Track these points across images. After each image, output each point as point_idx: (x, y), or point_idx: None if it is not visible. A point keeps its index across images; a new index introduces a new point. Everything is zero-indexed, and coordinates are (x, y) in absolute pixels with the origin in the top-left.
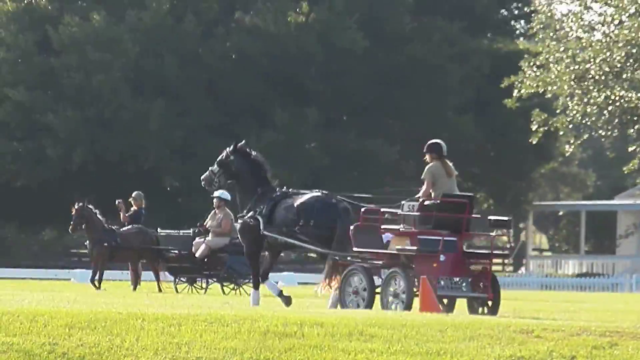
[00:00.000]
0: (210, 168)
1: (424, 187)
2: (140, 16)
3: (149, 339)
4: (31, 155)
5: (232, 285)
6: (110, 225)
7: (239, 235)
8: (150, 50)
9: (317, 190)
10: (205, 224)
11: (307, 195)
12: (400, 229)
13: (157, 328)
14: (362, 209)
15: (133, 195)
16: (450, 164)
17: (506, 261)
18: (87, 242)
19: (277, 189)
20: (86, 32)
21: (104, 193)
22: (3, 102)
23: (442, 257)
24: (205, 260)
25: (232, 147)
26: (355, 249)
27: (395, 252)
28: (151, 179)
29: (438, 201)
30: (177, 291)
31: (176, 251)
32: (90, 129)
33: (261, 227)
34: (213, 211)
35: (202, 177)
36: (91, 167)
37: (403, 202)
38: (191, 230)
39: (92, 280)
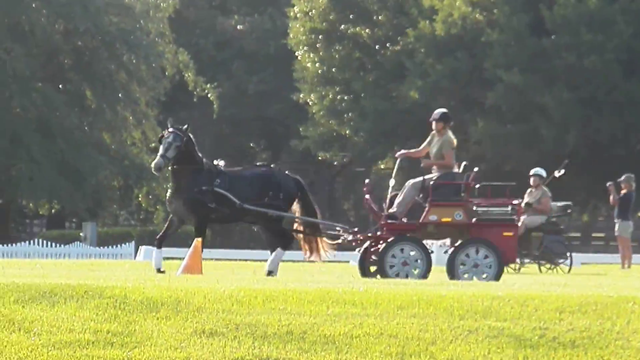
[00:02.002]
0: (161, 154)
1: (448, 158)
2: None
3: None
4: (523, 138)
5: (548, 265)
6: None
7: (188, 209)
8: None
9: (254, 164)
10: (522, 202)
11: (256, 169)
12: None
13: None
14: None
15: (623, 177)
16: None
17: None
18: None
19: (216, 164)
20: (580, 13)
21: (594, 176)
22: (495, 84)
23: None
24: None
25: (183, 128)
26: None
27: (469, 221)
28: None
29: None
30: None
31: None
32: (583, 110)
33: (237, 201)
34: (529, 190)
35: (155, 163)
36: (582, 149)
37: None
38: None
39: None
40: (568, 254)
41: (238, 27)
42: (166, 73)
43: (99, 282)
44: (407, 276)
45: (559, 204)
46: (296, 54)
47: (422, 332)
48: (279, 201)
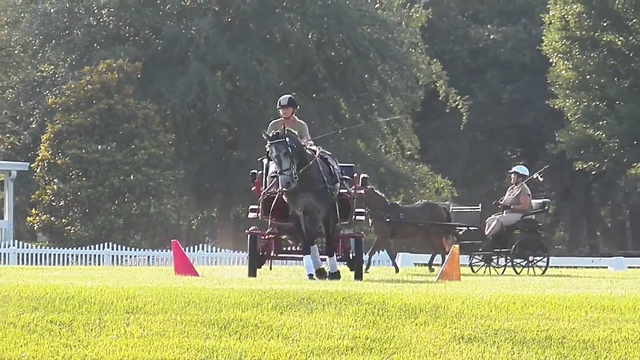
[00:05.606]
0: (283, 170)
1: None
2: None
3: None
4: None
5: (524, 263)
6: (394, 201)
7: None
8: None
9: None
10: (500, 200)
11: None
12: None
13: None
14: None
15: None
16: None
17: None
18: (370, 218)
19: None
20: None
21: None
22: None
23: None
24: (498, 237)
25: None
26: None
27: None
28: None
29: None
30: (473, 271)
31: (464, 228)
32: None
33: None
34: (510, 187)
35: (285, 183)
36: None
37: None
38: (479, 206)
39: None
40: (545, 254)
41: (491, 36)
42: (419, 82)
43: (357, 288)
44: None
45: (538, 201)
46: (550, 60)
47: None
48: None
